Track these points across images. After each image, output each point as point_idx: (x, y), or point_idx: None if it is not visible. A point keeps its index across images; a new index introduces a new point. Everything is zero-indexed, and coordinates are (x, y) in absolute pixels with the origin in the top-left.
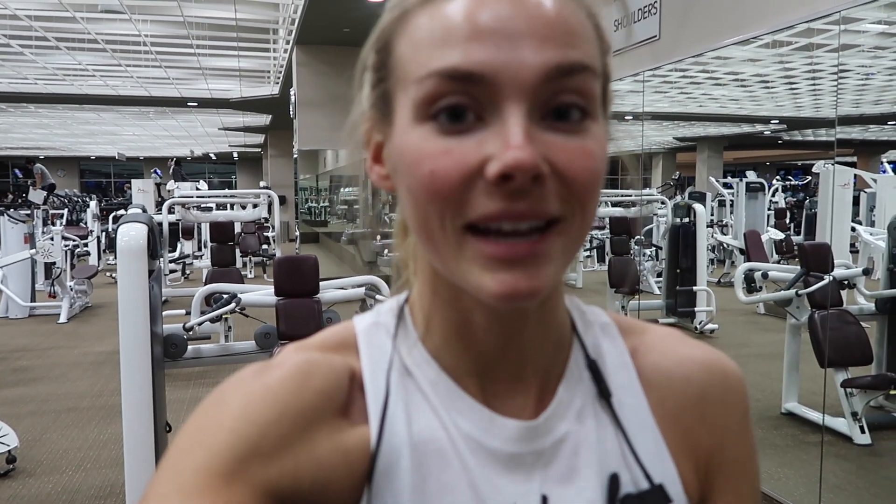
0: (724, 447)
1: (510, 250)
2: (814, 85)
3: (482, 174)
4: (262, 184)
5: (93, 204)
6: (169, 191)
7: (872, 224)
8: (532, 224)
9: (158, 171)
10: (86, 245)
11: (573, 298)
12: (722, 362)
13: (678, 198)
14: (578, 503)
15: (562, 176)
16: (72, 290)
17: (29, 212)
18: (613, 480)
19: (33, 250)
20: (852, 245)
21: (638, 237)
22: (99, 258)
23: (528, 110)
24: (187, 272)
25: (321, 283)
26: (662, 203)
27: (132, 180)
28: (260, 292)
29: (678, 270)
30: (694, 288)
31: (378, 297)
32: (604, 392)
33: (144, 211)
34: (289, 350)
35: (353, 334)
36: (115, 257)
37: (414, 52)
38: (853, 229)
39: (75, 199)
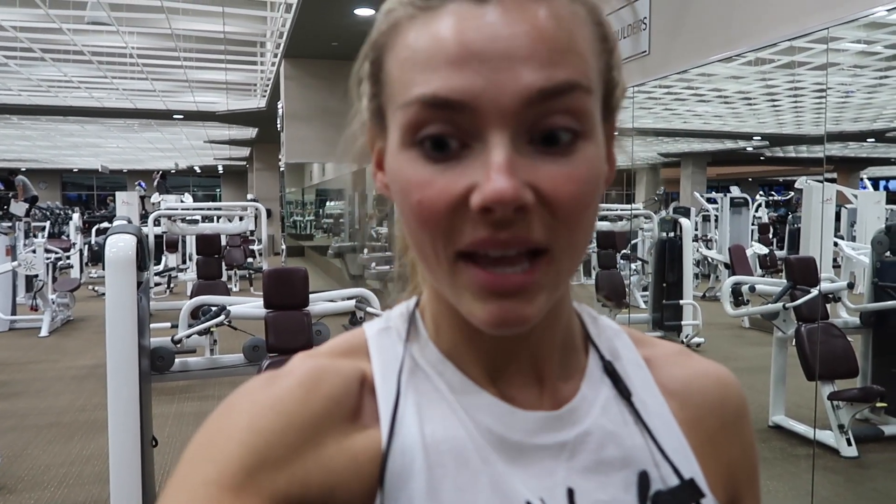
0: (745, 456)
1: (501, 281)
2: (795, 102)
3: (468, 203)
4: (249, 196)
5: (76, 216)
6: (153, 203)
7: (853, 239)
8: (519, 250)
9: (143, 184)
10: (68, 258)
11: (584, 306)
12: (731, 377)
13: (663, 212)
14: (604, 497)
15: (547, 203)
16: (54, 303)
17: (10, 224)
18: (643, 478)
19: (15, 262)
20: (834, 260)
21: (624, 251)
22: (81, 271)
23: (511, 136)
24: (172, 285)
25: (310, 296)
26: (648, 218)
27: (116, 193)
28: (249, 304)
29: (664, 284)
30: (680, 301)
31: (369, 309)
32: (623, 392)
33: (130, 223)
34: (298, 358)
35: (364, 339)
36: (98, 270)
37: (400, 73)
38: (835, 244)
39: (57, 211)
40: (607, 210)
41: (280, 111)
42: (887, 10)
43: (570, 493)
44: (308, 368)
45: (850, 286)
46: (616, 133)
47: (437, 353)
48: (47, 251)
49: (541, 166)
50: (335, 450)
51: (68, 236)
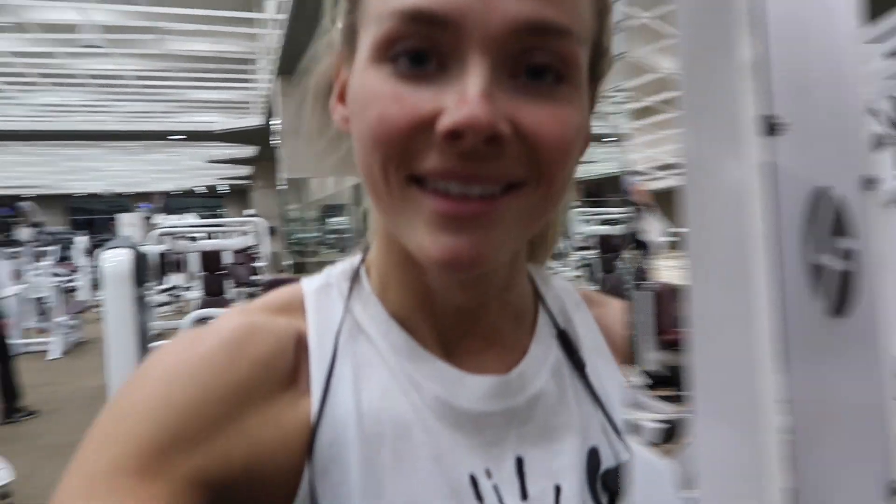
0: None
1: (458, 208)
2: None
3: (433, 127)
4: (247, 211)
5: (79, 240)
6: (153, 224)
7: None
8: (485, 190)
9: (147, 206)
10: (74, 281)
11: (535, 267)
12: None
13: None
14: (555, 466)
15: (527, 140)
16: (62, 325)
17: (17, 249)
18: (593, 455)
19: (23, 286)
20: None
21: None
22: (90, 294)
23: (493, 64)
24: (178, 304)
25: None
26: None
27: (120, 215)
28: None
29: None
30: None
31: None
32: (577, 363)
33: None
34: (229, 314)
35: (301, 296)
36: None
37: None
38: None
39: (61, 236)
40: (606, 214)
41: (276, 128)
42: None
43: (519, 462)
44: (236, 326)
45: None
46: (598, 103)
47: (382, 313)
48: (55, 275)
49: (523, 103)
50: (262, 419)
51: (73, 260)
